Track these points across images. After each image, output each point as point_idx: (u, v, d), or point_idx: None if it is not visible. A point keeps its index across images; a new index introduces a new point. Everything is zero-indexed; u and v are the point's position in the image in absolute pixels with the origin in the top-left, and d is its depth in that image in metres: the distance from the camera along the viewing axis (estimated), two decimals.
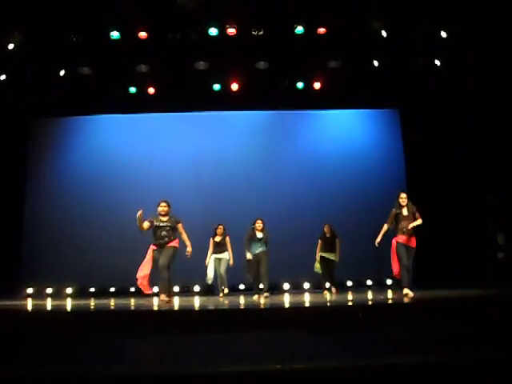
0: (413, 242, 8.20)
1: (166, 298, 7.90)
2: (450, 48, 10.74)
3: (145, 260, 7.94)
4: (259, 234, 9.58)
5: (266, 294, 9.40)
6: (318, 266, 10.75)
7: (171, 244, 8.08)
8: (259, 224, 9.62)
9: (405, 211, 8.28)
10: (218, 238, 10.21)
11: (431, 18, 10.17)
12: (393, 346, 4.65)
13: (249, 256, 9.48)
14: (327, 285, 10.85)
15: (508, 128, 10.93)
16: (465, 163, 11.60)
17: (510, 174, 11.01)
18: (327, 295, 9.97)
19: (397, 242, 8.17)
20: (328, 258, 10.67)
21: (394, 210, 8.36)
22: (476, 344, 4.50)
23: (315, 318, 6.16)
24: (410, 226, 8.12)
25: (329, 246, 10.69)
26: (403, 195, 8.39)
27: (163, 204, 8.18)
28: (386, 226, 8.38)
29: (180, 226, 8.22)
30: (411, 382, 3.57)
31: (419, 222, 8.18)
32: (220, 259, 10.18)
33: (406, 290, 7.95)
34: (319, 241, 10.76)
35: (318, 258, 10.72)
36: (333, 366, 3.64)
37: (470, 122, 11.48)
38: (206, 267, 10.14)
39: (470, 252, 11.24)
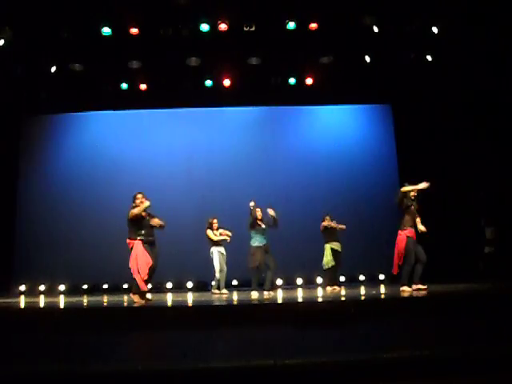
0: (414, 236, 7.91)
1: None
2: (441, 43, 10.78)
3: (143, 257, 7.54)
4: (263, 224, 8.78)
5: (268, 291, 8.47)
6: (329, 260, 10.03)
7: (156, 244, 8.12)
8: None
9: (415, 205, 7.92)
10: (217, 232, 9.99)
11: (422, 14, 10.19)
12: (385, 340, 4.68)
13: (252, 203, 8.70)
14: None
15: (500, 123, 10.98)
16: (456, 158, 11.64)
17: (501, 169, 11.07)
18: (337, 290, 9.71)
19: (408, 237, 7.77)
20: (337, 250, 10.15)
21: (404, 200, 7.88)
22: (469, 338, 4.54)
23: (308, 313, 6.20)
24: (421, 227, 7.91)
25: (335, 237, 10.22)
26: None
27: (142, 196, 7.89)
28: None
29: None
30: (403, 376, 3.60)
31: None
32: (223, 254, 9.96)
33: (404, 287, 7.74)
34: (325, 233, 10.22)
35: (329, 251, 10.06)
36: (325, 362, 3.66)
37: (462, 117, 11.51)
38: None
39: (462, 246, 11.29)
